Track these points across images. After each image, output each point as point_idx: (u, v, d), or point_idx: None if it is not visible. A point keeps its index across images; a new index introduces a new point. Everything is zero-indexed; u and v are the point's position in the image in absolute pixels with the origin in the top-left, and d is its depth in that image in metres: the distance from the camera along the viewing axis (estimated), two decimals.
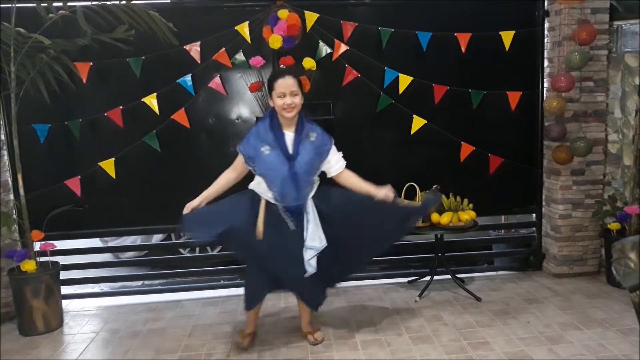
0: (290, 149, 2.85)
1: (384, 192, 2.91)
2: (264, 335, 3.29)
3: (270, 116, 2.91)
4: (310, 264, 2.91)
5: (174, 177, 3.94)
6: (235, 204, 2.94)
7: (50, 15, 3.35)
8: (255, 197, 2.94)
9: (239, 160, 2.96)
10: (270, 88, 2.88)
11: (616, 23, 3.93)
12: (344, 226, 2.95)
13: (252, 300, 3.08)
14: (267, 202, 2.90)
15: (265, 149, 2.84)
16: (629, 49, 3.90)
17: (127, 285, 4.49)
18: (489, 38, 3.93)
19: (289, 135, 2.88)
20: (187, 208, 2.92)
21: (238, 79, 3.93)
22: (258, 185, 2.94)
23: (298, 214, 2.88)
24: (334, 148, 2.98)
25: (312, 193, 2.93)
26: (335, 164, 2.99)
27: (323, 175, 3.05)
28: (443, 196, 3.84)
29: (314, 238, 2.89)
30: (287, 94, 2.81)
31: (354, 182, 3.00)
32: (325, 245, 2.91)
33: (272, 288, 3.06)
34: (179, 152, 3.93)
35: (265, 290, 3.05)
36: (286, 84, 2.82)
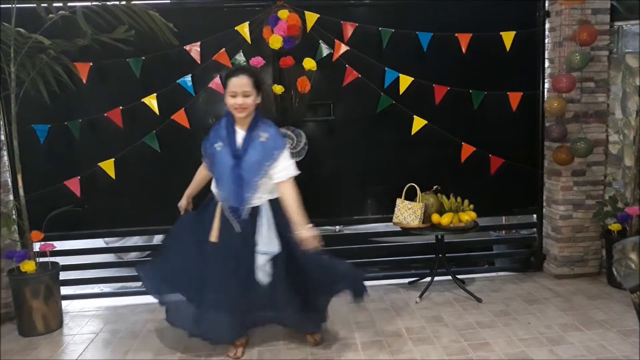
0: (238, 147, 2.80)
1: (306, 236, 2.72)
2: (265, 335, 3.28)
3: (228, 114, 2.88)
4: (265, 270, 2.80)
5: (173, 177, 3.91)
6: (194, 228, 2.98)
7: (50, 15, 3.35)
8: (213, 201, 2.93)
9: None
10: (224, 85, 2.82)
11: (617, 24, 3.92)
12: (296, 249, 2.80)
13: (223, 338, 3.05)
14: (222, 205, 2.87)
15: (218, 145, 2.83)
16: (630, 50, 3.90)
17: (127, 285, 4.48)
18: (490, 39, 3.92)
19: (240, 133, 2.84)
20: (181, 209, 3.16)
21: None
22: (214, 185, 2.95)
23: (247, 216, 2.80)
24: (286, 154, 2.82)
25: (261, 197, 2.82)
26: (280, 170, 2.79)
27: None
28: (444, 197, 3.84)
29: (268, 242, 2.79)
30: (239, 93, 2.74)
31: (287, 201, 2.78)
32: (279, 251, 2.80)
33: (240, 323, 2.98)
34: (178, 153, 3.92)
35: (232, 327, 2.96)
36: (239, 83, 2.74)
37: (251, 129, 2.82)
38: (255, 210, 2.82)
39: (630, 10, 3.85)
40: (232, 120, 2.86)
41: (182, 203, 3.13)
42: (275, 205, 2.84)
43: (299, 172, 2.85)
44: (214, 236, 2.85)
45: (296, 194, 2.79)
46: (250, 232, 2.80)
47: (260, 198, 2.83)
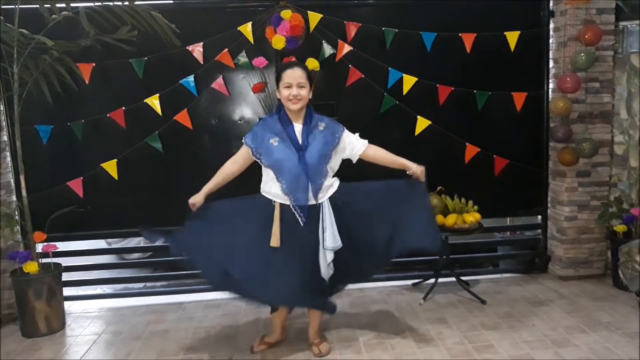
0: (299, 140, 2.76)
1: (418, 169, 2.91)
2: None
3: (279, 109, 2.84)
4: (330, 267, 2.82)
5: (176, 178, 3.93)
6: (243, 217, 2.83)
7: (53, 16, 3.35)
8: (267, 204, 2.79)
9: (243, 153, 2.85)
10: (278, 79, 2.80)
11: (622, 23, 3.90)
12: (361, 226, 2.86)
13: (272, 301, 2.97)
14: (281, 205, 2.76)
15: (274, 141, 2.76)
16: (635, 50, 3.87)
17: (130, 287, 4.47)
18: (494, 38, 3.90)
19: (297, 127, 2.80)
20: (193, 205, 2.85)
21: (241, 79, 3.91)
22: (268, 186, 2.81)
23: (311, 212, 2.75)
24: (346, 132, 2.89)
25: (327, 191, 2.81)
26: (356, 142, 2.90)
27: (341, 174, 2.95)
28: (448, 198, 3.82)
29: (333, 237, 2.77)
30: (294, 85, 2.73)
31: (385, 155, 2.94)
32: (340, 245, 2.79)
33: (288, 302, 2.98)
34: (181, 153, 3.92)
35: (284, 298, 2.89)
36: (294, 74, 2.74)
37: (308, 122, 2.81)
38: (317, 208, 2.77)
39: (635, 10, 3.82)
40: (285, 115, 2.81)
41: (198, 199, 2.84)
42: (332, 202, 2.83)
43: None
44: (274, 241, 2.72)
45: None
46: (314, 228, 2.76)
47: (324, 192, 2.79)
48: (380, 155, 2.95)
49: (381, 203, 2.93)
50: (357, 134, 2.92)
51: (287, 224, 2.73)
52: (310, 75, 2.81)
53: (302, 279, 2.74)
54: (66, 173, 3.83)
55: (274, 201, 2.77)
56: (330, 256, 2.79)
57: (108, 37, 3.44)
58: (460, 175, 4.03)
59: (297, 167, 2.70)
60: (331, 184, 2.84)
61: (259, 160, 2.81)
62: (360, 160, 2.93)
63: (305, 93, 2.77)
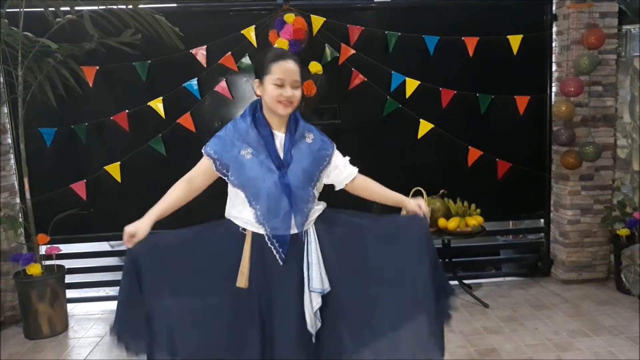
0: (281, 154, 2.06)
1: (417, 206, 2.16)
2: None
3: (253, 111, 2.10)
4: (317, 317, 2.07)
5: None
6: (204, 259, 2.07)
7: (58, 19, 3.37)
8: (235, 233, 2.07)
9: (203, 167, 2.11)
10: (262, 70, 2.04)
11: (625, 27, 3.90)
12: (343, 278, 2.12)
13: None
14: (253, 235, 2.05)
15: (247, 152, 2.04)
16: (638, 53, 3.87)
17: None
18: (497, 42, 3.90)
19: (279, 137, 2.09)
20: (131, 236, 2.01)
21: (244, 83, 3.92)
22: (237, 210, 2.09)
23: (292, 244, 2.04)
24: (337, 152, 2.23)
25: (313, 217, 2.11)
26: (344, 168, 2.23)
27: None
28: (450, 201, 3.82)
29: (318, 277, 2.05)
30: (287, 83, 2.01)
31: (376, 188, 2.28)
32: (329, 289, 2.07)
33: None
34: (184, 156, 3.88)
35: None
36: (289, 69, 2.01)
37: (292, 130, 2.12)
38: (300, 239, 2.07)
39: (639, 13, 3.82)
40: (263, 119, 2.09)
41: (140, 228, 2.02)
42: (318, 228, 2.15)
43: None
44: (242, 280, 2.02)
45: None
46: (297, 265, 2.06)
47: (310, 219, 2.11)
48: (370, 187, 2.28)
49: (379, 250, 2.16)
50: (347, 159, 2.26)
51: (260, 260, 2.04)
52: (301, 72, 2.11)
53: (283, 333, 2.03)
54: (69, 175, 3.85)
55: (243, 229, 2.06)
56: (317, 302, 2.05)
57: (112, 40, 3.46)
58: (463, 178, 4.04)
59: (276, 188, 2.01)
60: (318, 209, 2.17)
61: (224, 177, 2.08)
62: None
63: (299, 95, 2.07)
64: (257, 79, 2.08)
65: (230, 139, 2.08)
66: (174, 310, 2.05)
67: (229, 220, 2.11)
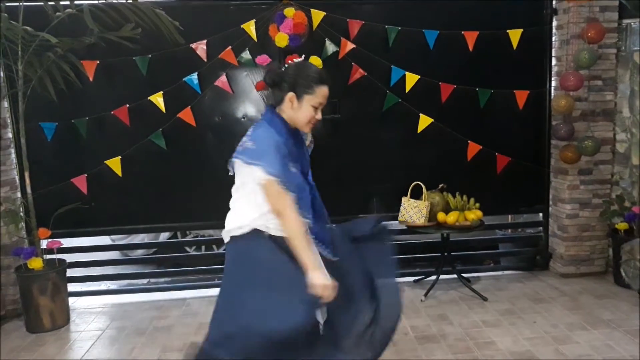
0: (308, 163, 2.20)
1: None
2: None
3: (281, 121, 2.08)
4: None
5: (180, 175, 3.95)
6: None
7: (58, 13, 3.37)
8: (278, 245, 2.01)
9: (284, 193, 1.96)
10: (305, 88, 2.04)
11: (625, 21, 3.89)
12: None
13: None
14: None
15: (292, 167, 2.04)
16: (638, 48, 3.87)
17: (134, 283, 4.50)
18: (497, 36, 3.90)
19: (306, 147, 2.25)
20: (327, 290, 1.94)
21: (244, 77, 3.93)
22: (264, 218, 2.02)
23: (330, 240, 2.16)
24: None
25: None
26: None
27: None
28: (450, 195, 3.84)
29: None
30: (321, 106, 2.08)
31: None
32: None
33: None
34: (185, 151, 3.94)
35: None
36: (327, 95, 2.08)
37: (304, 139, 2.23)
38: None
39: (639, 7, 3.82)
40: (297, 132, 2.13)
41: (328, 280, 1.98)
42: None
43: None
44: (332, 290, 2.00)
45: None
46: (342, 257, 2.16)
47: None
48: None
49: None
50: None
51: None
52: None
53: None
54: (70, 170, 3.86)
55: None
56: None
57: (112, 34, 3.46)
58: (462, 172, 4.05)
59: (311, 195, 2.10)
60: None
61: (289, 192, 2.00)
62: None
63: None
64: (293, 93, 2.04)
65: (281, 157, 1.99)
66: None
67: (263, 234, 2.03)
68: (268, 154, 1.96)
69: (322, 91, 2.05)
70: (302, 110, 2.05)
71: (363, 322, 2.12)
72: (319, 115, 2.08)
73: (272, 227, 2.02)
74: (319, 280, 1.92)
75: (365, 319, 2.13)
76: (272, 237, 2.01)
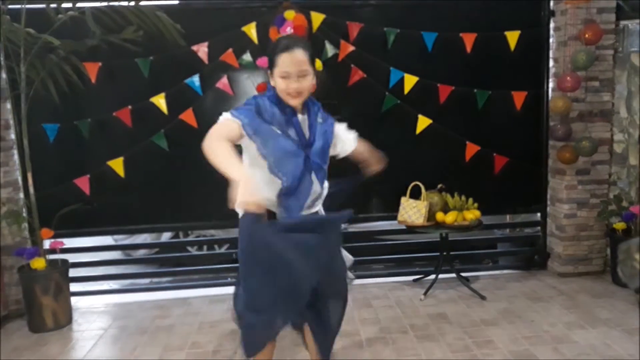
0: (306, 134, 2.17)
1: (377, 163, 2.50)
2: None
3: (273, 95, 2.14)
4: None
5: (182, 176, 3.98)
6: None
7: (60, 16, 3.40)
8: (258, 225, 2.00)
9: (230, 128, 2.05)
10: (271, 62, 2.11)
11: (622, 23, 3.92)
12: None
13: (254, 346, 2.23)
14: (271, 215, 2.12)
15: (276, 128, 2.09)
16: (635, 49, 3.90)
17: (136, 282, 4.53)
18: (495, 38, 3.94)
19: (300, 117, 2.18)
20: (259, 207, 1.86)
21: (245, 79, 3.96)
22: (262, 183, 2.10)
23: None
24: (337, 124, 2.38)
25: (323, 196, 2.29)
26: (346, 136, 2.42)
27: None
28: (448, 195, 3.87)
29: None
30: (293, 74, 2.05)
31: (369, 151, 2.54)
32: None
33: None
34: (187, 152, 3.95)
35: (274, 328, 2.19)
36: (294, 59, 2.04)
37: (312, 112, 2.22)
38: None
39: (636, 9, 3.85)
40: (283, 101, 2.12)
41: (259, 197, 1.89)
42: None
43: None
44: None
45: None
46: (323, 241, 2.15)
47: (322, 198, 2.30)
48: (367, 150, 2.52)
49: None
50: (344, 125, 2.44)
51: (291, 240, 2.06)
52: (313, 56, 2.14)
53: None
54: (73, 171, 3.89)
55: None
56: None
57: (114, 37, 3.49)
58: (461, 173, 4.08)
59: (305, 166, 2.12)
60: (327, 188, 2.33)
61: (251, 138, 2.05)
62: None
63: (309, 83, 2.10)
64: (269, 70, 2.13)
65: (259, 111, 2.08)
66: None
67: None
68: (239, 107, 2.10)
69: (282, 59, 2.05)
70: (277, 84, 2.10)
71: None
72: (292, 85, 2.06)
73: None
74: (235, 178, 1.87)
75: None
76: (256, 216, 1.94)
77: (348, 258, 2.43)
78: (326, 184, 2.30)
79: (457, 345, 3.09)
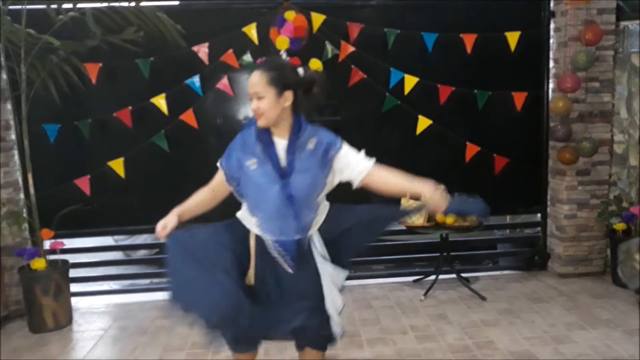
0: (282, 162, 2.08)
1: (436, 195, 2.20)
2: None
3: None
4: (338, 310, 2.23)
5: (182, 177, 3.97)
6: (215, 248, 2.20)
7: (60, 16, 3.40)
8: (242, 231, 2.19)
9: (218, 178, 2.22)
10: None
11: (622, 23, 3.93)
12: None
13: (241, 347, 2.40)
14: (257, 237, 2.17)
15: (252, 163, 2.09)
16: (636, 50, 3.90)
17: (136, 283, 4.53)
18: (495, 39, 3.94)
19: (281, 144, 2.10)
20: (163, 227, 2.21)
21: (245, 80, 3.93)
22: (245, 214, 2.20)
23: (299, 250, 2.12)
24: (346, 148, 2.17)
25: (317, 222, 2.19)
26: (357, 164, 2.17)
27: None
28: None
29: (338, 277, 2.23)
30: (252, 96, 2.07)
31: (396, 180, 2.23)
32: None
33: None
34: (187, 152, 3.97)
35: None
36: (250, 82, 2.08)
37: (295, 137, 2.11)
38: (302, 243, 2.15)
39: (636, 9, 3.85)
40: (265, 129, 2.12)
41: (171, 221, 2.23)
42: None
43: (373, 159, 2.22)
44: (250, 279, 2.19)
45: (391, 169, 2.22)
46: (307, 270, 2.16)
47: (314, 227, 2.19)
48: (390, 180, 2.23)
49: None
50: (362, 152, 2.22)
51: (267, 263, 2.17)
52: (279, 77, 2.06)
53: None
54: (73, 171, 3.89)
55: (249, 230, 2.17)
56: (339, 300, 2.23)
57: (114, 37, 3.49)
58: (461, 173, 4.08)
59: (277, 198, 2.05)
60: (322, 215, 2.23)
61: (234, 191, 2.19)
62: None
63: (266, 105, 2.04)
64: None
65: (237, 152, 2.15)
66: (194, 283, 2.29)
67: (238, 220, 2.23)
68: (226, 151, 2.21)
69: (248, 81, 2.11)
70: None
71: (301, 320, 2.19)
72: (252, 105, 2.08)
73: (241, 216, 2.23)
74: (159, 222, 2.24)
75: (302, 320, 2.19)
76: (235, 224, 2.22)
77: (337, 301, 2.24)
78: (324, 205, 2.24)
79: (457, 345, 3.09)
